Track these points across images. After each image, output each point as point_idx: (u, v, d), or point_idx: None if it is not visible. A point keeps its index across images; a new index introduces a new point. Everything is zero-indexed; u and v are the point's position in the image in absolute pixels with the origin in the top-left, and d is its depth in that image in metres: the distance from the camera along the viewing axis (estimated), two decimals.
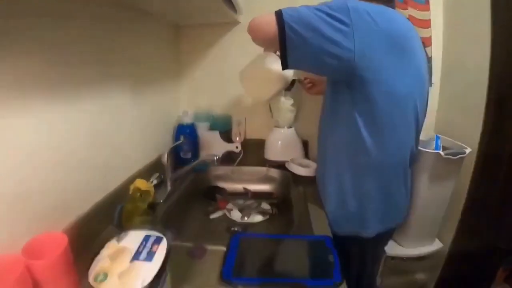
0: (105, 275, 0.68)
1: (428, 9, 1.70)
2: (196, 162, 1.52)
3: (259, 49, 1.71)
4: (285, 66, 0.97)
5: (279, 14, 0.91)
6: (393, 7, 1.09)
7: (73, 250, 0.79)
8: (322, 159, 1.25)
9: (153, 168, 1.46)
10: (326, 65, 0.93)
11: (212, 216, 1.45)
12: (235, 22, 1.77)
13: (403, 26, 0.97)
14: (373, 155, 1.02)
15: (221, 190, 1.66)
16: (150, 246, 0.76)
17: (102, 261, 0.73)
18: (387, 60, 0.91)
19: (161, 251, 0.74)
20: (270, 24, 0.92)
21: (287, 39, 0.91)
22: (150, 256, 0.72)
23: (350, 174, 1.09)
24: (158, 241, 0.78)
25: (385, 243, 1.34)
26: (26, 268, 0.66)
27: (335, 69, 0.94)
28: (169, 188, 1.41)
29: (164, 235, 0.80)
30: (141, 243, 0.77)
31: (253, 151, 1.82)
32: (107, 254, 0.75)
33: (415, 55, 0.98)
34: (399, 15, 1.00)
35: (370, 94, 0.94)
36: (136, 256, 0.73)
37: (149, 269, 0.69)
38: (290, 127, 1.75)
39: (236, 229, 1.31)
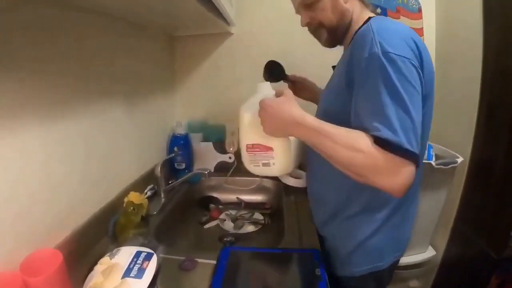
0: None
1: (420, 18, 1.72)
2: (190, 174, 1.53)
3: (253, 60, 1.72)
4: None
5: (411, 155, 0.70)
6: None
7: (69, 263, 0.80)
8: (324, 193, 1.08)
9: (148, 179, 1.47)
10: None
11: (206, 226, 1.46)
12: (228, 33, 1.79)
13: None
14: None
15: (215, 199, 1.67)
16: (141, 263, 0.77)
17: (95, 277, 0.75)
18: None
19: (151, 268, 0.75)
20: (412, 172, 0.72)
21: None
22: (140, 273, 0.74)
23: (365, 209, 0.96)
24: (148, 257, 0.79)
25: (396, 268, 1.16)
26: (24, 284, 0.68)
27: None
28: (162, 199, 1.43)
29: (154, 251, 0.81)
30: (132, 260, 0.78)
31: None
32: (100, 270, 0.77)
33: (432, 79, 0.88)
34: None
35: None
36: (127, 273, 0.74)
37: (140, 286, 0.70)
38: None
39: (228, 239, 1.32)
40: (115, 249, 0.86)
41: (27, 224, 0.82)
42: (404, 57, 0.73)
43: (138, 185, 1.38)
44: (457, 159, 1.42)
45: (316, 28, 1.02)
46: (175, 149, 1.64)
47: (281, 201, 1.46)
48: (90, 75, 1.09)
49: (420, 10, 1.71)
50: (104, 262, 0.81)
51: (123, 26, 1.29)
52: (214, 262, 0.96)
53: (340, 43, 1.04)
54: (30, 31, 0.82)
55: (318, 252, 1.00)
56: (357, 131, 0.76)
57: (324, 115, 0.92)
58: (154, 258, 0.78)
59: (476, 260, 1.44)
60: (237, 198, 1.68)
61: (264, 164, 1.02)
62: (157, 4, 1.10)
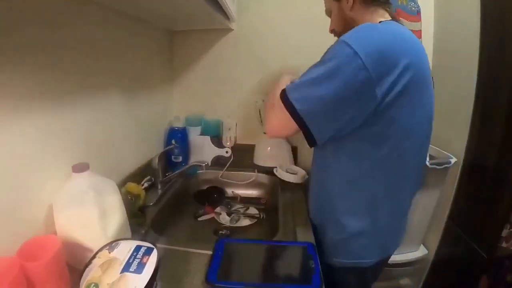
0: (96, 286, 0.69)
1: (419, 20, 1.72)
2: (187, 166, 1.53)
3: (253, 57, 1.72)
4: (314, 144, 0.92)
5: (293, 110, 0.87)
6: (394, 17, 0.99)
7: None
8: (321, 187, 1.11)
9: (145, 171, 1.47)
10: (352, 123, 0.87)
11: (201, 219, 1.47)
12: (228, 29, 1.78)
13: (419, 54, 0.88)
14: (382, 189, 0.96)
15: (212, 192, 1.67)
16: (140, 257, 0.77)
17: (93, 271, 0.74)
18: (405, 99, 0.83)
19: (151, 263, 0.75)
20: (289, 124, 0.89)
21: (312, 131, 0.88)
22: (140, 268, 0.73)
23: (351, 209, 1.01)
24: (148, 252, 0.79)
25: (382, 270, 1.24)
26: (21, 269, 0.68)
27: (360, 122, 0.86)
28: (159, 191, 1.43)
29: (155, 246, 0.81)
30: (132, 254, 0.78)
31: (243, 156, 1.82)
32: (98, 264, 0.76)
33: (428, 84, 0.94)
34: (413, 37, 0.90)
35: (383, 130, 0.87)
36: (126, 268, 0.73)
37: (139, 281, 0.70)
38: None
39: (224, 232, 1.34)
40: (114, 242, 0.85)
41: (26, 211, 0.83)
42: (362, 62, 0.77)
43: (136, 177, 1.38)
44: (450, 160, 1.44)
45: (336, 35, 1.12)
46: (173, 141, 1.64)
47: (277, 197, 1.47)
48: (89, 68, 1.08)
49: (419, 13, 1.71)
50: (103, 255, 0.80)
51: (123, 19, 1.28)
52: (210, 252, 0.98)
53: None
54: (37, 25, 0.83)
55: (312, 246, 1.01)
56: None
57: None
58: (155, 253, 0.78)
59: (467, 260, 1.46)
60: (232, 192, 1.69)
61: None
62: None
